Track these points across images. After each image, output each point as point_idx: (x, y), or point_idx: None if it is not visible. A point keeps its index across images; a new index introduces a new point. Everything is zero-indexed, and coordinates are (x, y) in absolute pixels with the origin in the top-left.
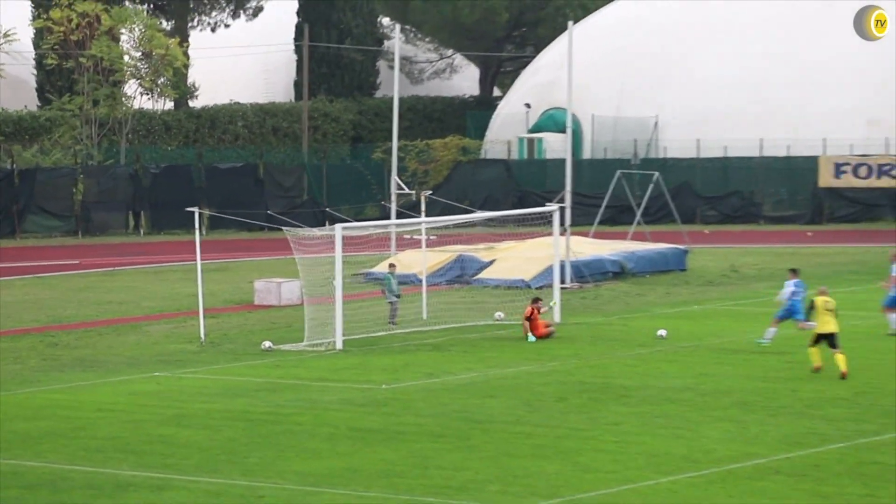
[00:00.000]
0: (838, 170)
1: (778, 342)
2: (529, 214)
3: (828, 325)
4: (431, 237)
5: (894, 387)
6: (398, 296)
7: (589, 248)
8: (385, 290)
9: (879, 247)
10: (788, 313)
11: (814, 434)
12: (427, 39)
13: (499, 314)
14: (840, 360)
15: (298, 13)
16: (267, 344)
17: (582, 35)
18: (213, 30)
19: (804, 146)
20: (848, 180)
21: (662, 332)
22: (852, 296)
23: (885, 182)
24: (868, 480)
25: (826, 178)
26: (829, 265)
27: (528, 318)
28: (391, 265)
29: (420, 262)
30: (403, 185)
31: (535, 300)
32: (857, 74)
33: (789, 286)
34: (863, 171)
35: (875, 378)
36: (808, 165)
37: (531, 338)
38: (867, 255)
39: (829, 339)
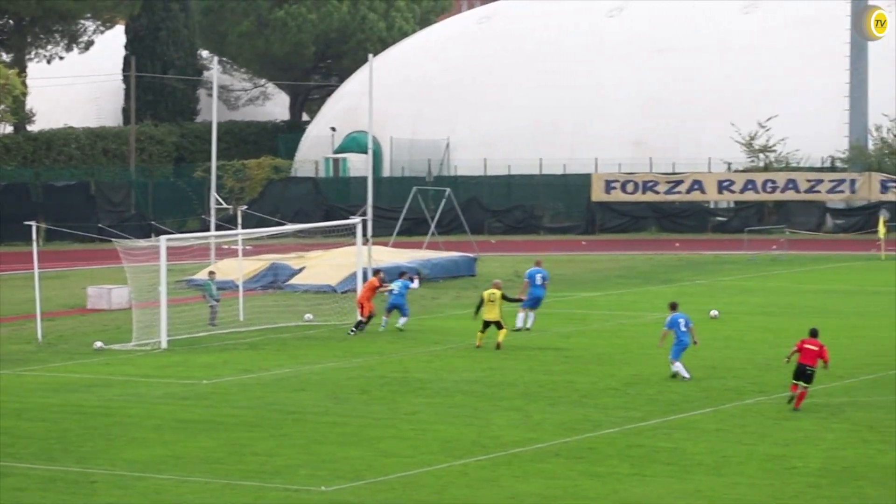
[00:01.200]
0: (608, 186)
1: (554, 339)
2: (335, 226)
3: (491, 314)
4: (247, 247)
5: (658, 378)
6: (217, 300)
7: (389, 256)
8: (206, 295)
9: (644, 254)
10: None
11: (588, 421)
12: (242, 70)
13: (308, 316)
14: (501, 335)
15: (126, 46)
16: (98, 344)
17: (382, 65)
18: (48, 61)
19: (579, 165)
20: (617, 195)
21: (715, 313)
22: (621, 297)
23: (649, 196)
24: (635, 461)
25: (598, 194)
26: (601, 270)
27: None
28: (211, 272)
29: (237, 269)
30: (222, 201)
31: (377, 271)
32: (626, 102)
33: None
34: (630, 186)
35: (641, 371)
36: (582, 182)
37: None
38: (633, 261)
39: (495, 325)
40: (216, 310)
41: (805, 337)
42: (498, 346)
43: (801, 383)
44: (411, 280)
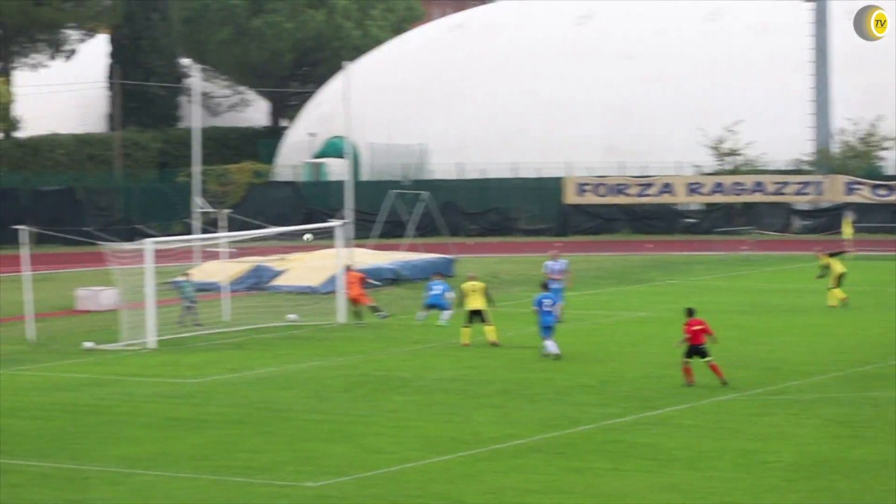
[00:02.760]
0: (581, 189)
1: (531, 338)
2: (316, 229)
3: (476, 302)
4: (231, 250)
5: (633, 375)
6: (194, 301)
7: (368, 258)
8: (182, 297)
9: (617, 255)
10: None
11: (566, 417)
12: (223, 77)
13: (292, 316)
14: (490, 331)
15: (110, 55)
16: (88, 344)
17: (358, 72)
18: (34, 69)
19: (552, 169)
20: (589, 198)
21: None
22: (595, 297)
23: (620, 199)
24: (612, 456)
25: (571, 196)
26: (576, 271)
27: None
28: (185, 273)
29: (221, 271)
30: (206, 204)
31: (348, 268)
32: (597, 107)
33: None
34: (602, 189)
35: (617, 368)
36: (556, 185)
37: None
38: (606, 262)
39: (479, 315)
40: (194, 311)
41: (687, 320)
42: (494, 344)
43: (697, 358)
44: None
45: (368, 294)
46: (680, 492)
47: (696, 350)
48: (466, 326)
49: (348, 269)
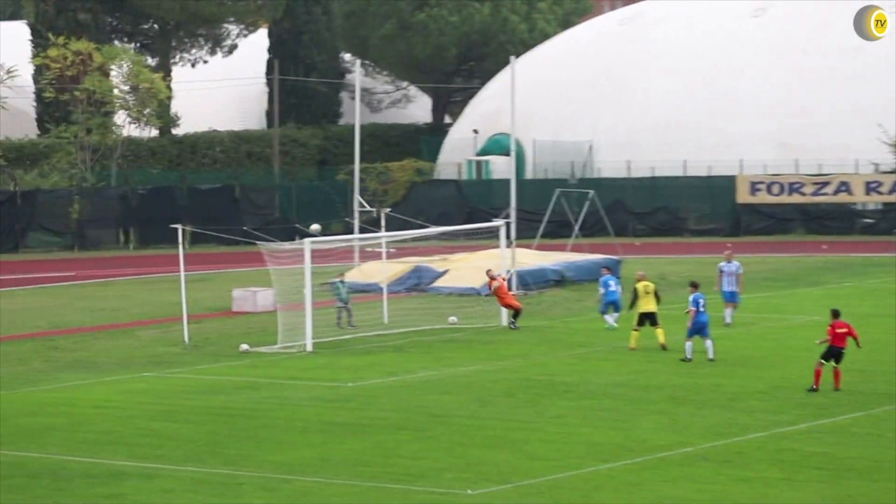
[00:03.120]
0: (754, 188)
1: (701, 342)
2: (479, 229)
3: (649, 304)
4: (391, 250)
5: (806, 382)
6: (346, 302)
7: (532, 258)
8: (336, 297)
9: (791, 257)
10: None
11: (736, 424)
12: (384, 73)
13: (452, 318)
14: (660, 334)
15: (269, 50)
16: (244, 346)
17: (523, 68)
18: (192, 65)
19: (723, 166)
20: (762, 197)
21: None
22: (768, 300)
23: (795, 198)
24: (785, 465)
25: (743, 195)
26: (748, 273)
27: (497, 293)
28: (340, 274)
29: (381, 272)
30: (365, 204)
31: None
32: (771, 103)
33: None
34: (775, 188)
35: (789, 374)
36: (727, 184)
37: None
38: (780, 263)
39: (650, 318)
40: (350, 312)
41: (832, 322)
42: (663, 348)
43: (832, 362)
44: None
45: (518, 297)
46: None
47: (834, 353)
48: (637, 329)
49: (490, 275)
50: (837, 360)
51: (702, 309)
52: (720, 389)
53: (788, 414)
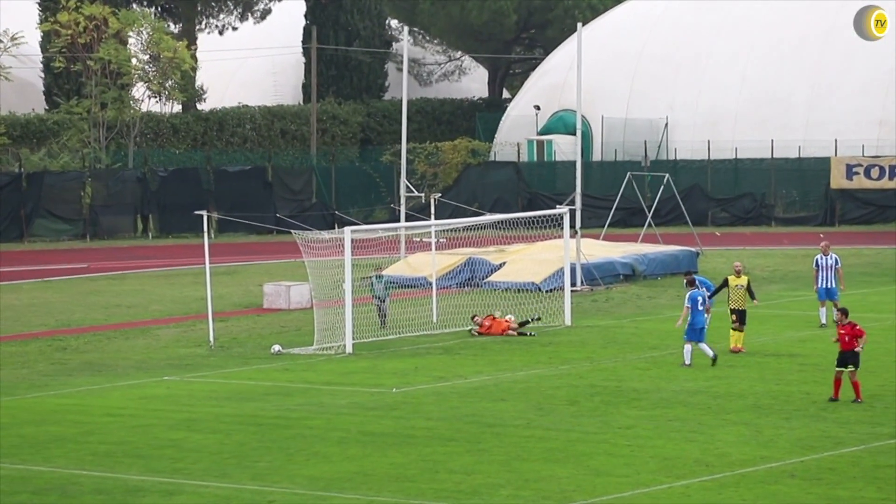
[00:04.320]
0: (850, 171)
1: (788, 344)
2: (540, 217)
3: (741, 300)
4: (441, 240)
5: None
6: (383, 300)
7: (599, 250)
8: (372, 295)
9: (892, 248)
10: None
11: (828, 437)
12: (435, 41)
13: (509, 317)
14: (739, 336)
15: (306, 15)
16: (276, 348)
17: (591, 37)
18: (220, 32)
19: (816, 147)
20: (860, 181)
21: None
22: (865, 297)
23: None
24: (882, 484)
25: (838, 180)
26: (843, 266)
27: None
28: (377, 268)
29: (430, 264)
30: (413, 188)
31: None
32: (868, 76)
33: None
34: (874, 172)
35: (888, 380)
36: (820, 167)
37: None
38: (879, 256)
39: (740, 316)
40: (384, 313)
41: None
42: (737, 351)
43: (849, 367)
44: (698, 287)
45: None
46: None
47: (844, 357)
48: (736, 328)
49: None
50: (855, 366)
51: (700, 308)
52: (810, 398)
53: (888, 426)
